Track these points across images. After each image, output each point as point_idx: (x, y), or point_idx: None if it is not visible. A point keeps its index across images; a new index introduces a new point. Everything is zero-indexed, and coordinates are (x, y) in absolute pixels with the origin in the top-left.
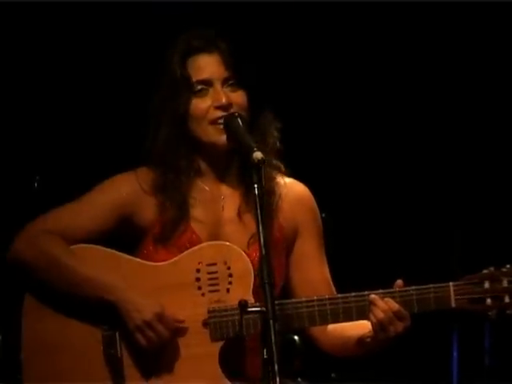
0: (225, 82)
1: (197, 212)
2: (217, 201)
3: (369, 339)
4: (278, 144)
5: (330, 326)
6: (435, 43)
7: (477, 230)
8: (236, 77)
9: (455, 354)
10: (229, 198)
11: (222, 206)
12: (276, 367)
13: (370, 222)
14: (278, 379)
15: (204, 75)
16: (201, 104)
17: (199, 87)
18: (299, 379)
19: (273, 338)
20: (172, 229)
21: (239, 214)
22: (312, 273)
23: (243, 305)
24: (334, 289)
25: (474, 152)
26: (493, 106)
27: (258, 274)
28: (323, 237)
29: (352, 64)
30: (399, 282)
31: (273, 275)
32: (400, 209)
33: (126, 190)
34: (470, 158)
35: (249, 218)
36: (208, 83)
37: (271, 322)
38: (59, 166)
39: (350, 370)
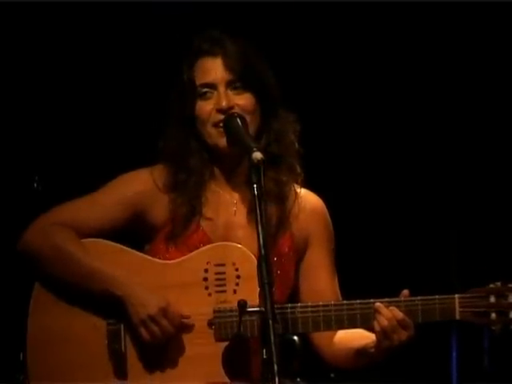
0: (229, 84)
1: (209, 213)
2: (229, 205)
3: (372, 349)
4: (295, 147)
5: (336, 339)
6: (435, 44)
7: (474, 233)
8: (241, 79)
9: (454, 354)
10: (241, 203)
11: (235, 211)
12: (275, 367)
13: (367, 224)
14: (277, 379)
15: (207, 79)
16: (204, 107)
17: (204, 90)
18: (298, 379)
19: (272, 338)
20: (183, 225)
21: (250, 220)
22: (320, 283)
23: (242, 305)
24: (341, 299)
25: (471, 154)
26: (490, 105)
27: (257, 274)
28: (334, 249)
29: (352, 66)
30: (405, 291)
31: (272, 276)
32: (397, 212)
33: (140, 188)
34: (467, 160)
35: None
36: (212, 86)
37: (270, 322)
38: (58, 165)
39: (349, 371)
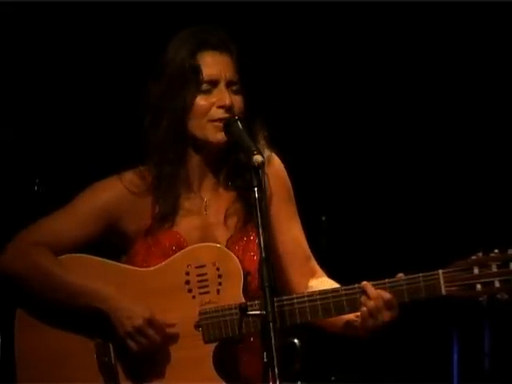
0: (229, 84)
1: (182, 216)
2: (200, 206)
3: (356, 324)
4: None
5: None
6: (435, 43)
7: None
8: (241, 82)
9: (455, 356)
10: (210, 203)
11: (205, 211)
12: (276, 371)
13: (367, 222)
14: (278, 383)
15: (212, 72)
16: (204, 101)
17: (204, 84)
18: (299, 382)
19: (273, 341)
20: (161, 223)
21: (222, 218)
22: (294, 231)
23: (243, 308)
24: (306, 247)
25: (469, 151)
26: (491, 111)
27: (258, 277)
28: (293, 200)
29: (350, 65)
30: (400, 275)
31: (273, 278)
32: (397, 210)
33: (109, 196)
34: (465, 156)
35: (233, 221)
36: (213, 82)
37: (271, 325)
38: (59, 168)
39: (349, 373)
